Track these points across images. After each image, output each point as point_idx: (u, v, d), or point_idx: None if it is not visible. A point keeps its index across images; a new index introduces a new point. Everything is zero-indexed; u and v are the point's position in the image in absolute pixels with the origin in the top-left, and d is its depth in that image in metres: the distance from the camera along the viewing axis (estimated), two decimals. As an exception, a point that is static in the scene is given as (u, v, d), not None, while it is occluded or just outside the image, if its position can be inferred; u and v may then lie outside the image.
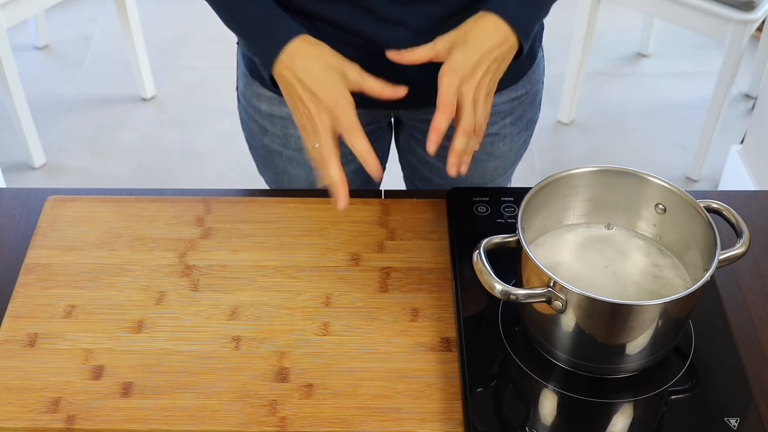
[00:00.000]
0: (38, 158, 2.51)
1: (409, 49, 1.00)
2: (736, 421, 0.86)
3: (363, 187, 1.26)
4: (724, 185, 2.39)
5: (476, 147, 1.00)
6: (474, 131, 0.98)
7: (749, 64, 2.78)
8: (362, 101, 1.15)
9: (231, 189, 1.16)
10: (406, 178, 1.36)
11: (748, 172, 2.25)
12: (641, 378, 0.91)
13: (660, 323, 0.85)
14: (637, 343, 0.87)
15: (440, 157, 1.21)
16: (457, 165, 0.98)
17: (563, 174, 0.95)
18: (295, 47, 0.99)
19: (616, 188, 0.96)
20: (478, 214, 1.08)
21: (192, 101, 2.76)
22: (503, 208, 1.09)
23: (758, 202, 1.16)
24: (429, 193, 1.17)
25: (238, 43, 1.19)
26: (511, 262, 0.93)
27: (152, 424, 0.89)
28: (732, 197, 1.14)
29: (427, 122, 1.18)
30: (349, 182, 0.99)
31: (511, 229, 0.93)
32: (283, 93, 1.01)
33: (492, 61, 0.98)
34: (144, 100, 2.76)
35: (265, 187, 1.32)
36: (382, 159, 1.29)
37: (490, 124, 1.19)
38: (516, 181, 1.44)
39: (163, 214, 1.11)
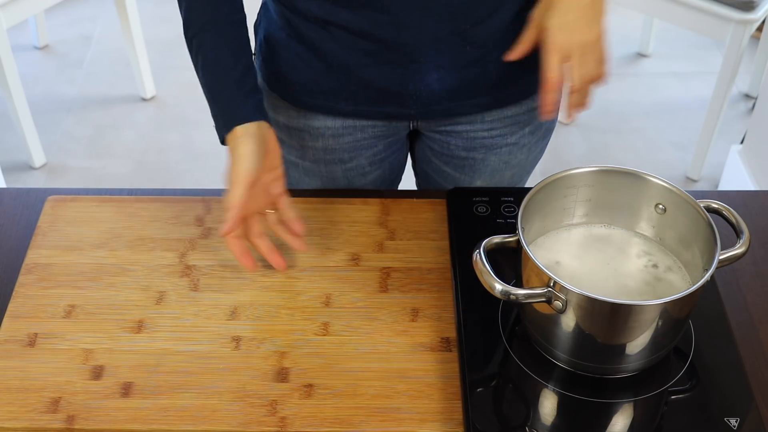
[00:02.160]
0: (38, 158, 2.51)
1: (517, 45, 1.05)
2: (736, 421, 0.86)
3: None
4: (724, 185, 2.39)
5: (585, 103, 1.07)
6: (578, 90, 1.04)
7: (749, 64, 2.78)
8: (381, 114, 1.14)
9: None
10: (418, 186, 1.35)
11: (748, 172, 2.25)
12: (641, 378, 0.91)
13: (660, 323, 0.85)
14: (637, 343, 0.87)
15: (454, 166, 1.21)
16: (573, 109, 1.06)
17: (563, 174, 0.95)
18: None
19: (616, 188, 0.96)
20: (478, 214, 1.08)
21: (192, 101, 2.75)
22: (503, 208, 1.09)
23: (758, 202, 1.15)
24: (429, 193, 1.16)
25: (254, 55, 1.18)
26: (511, 262, 0.93)
27: (152, 424, 0.89)
28: (732, 197, 1.14)
29: (444, 133, 1.18)
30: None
31: (511, 229, 0.93)
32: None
33: (590, 9, 0.99)
34: (144, 100, 2.76)
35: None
36: (400, 168, 1.28)
37: (509, 134, 1.18)
38: (516, 181, 1.43)
39: (163, 214, 1.11)
